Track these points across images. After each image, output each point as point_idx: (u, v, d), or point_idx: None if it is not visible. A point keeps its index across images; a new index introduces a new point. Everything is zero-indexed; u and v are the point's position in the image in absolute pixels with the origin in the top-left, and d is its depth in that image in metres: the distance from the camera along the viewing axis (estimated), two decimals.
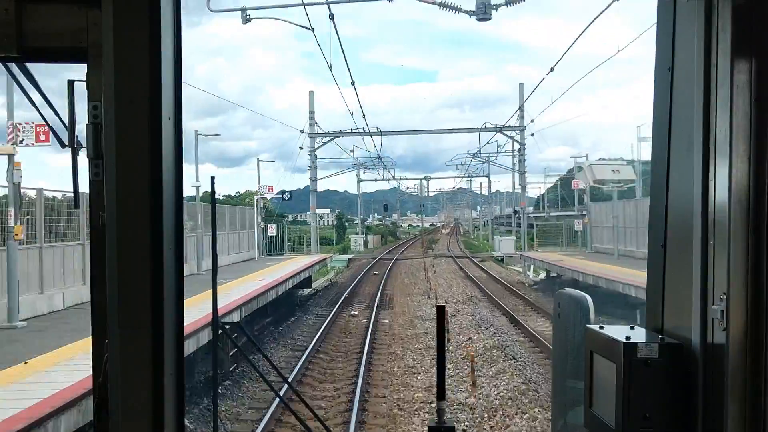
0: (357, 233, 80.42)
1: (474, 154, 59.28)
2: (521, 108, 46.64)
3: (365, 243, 73.88)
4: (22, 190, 14.28)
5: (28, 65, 2.05)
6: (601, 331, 1.82)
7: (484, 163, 62.71)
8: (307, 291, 29.70)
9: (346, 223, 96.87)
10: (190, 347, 11.66)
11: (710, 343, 1.60)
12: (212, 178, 2.25)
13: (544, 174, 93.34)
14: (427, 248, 67.21)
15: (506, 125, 47.52)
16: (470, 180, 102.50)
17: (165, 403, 1.78)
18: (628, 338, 1.70)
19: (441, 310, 2.39)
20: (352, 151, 52.63)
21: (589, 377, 1.88)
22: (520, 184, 49.41)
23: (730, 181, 1.56)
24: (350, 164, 56.84)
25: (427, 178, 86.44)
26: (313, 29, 20.83)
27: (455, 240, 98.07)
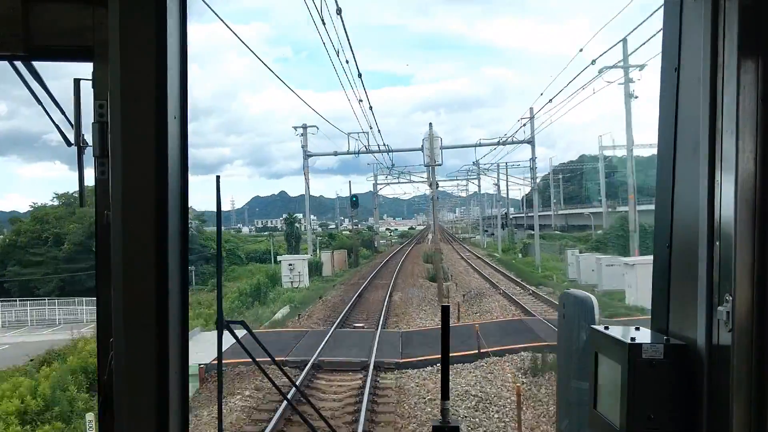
0: (315, 249, 49.26)
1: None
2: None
3: (315, 268, 41.30)
4: None
5: (35, 64, 2.04)
6: (606, 331, 1.82)
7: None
8: None
9: (316, 228, 71.59)
10: None
11: (715, 344, 1.60)
12: (217, 177, 2.24)
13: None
14: (442, 277, 32.14)
15: None
16: (478, 166, 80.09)
17: (170, 400, 1.79)
18: (633, 339, 1.70)
19: (446, 310, 2.39)
20: None
21: (594, 378, 1.88)
22: None
23: (737, 182, 1.55)
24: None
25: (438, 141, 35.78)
26: None
27: (471, 252, 64.15)
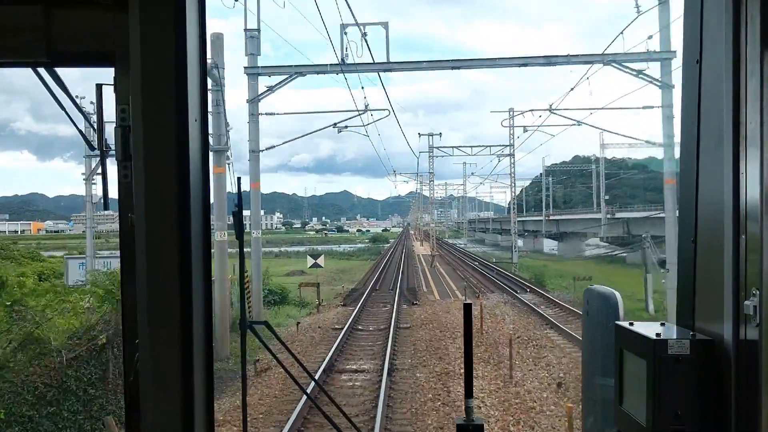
0: None
1: None
2: None
3: None
4: None
5: (57, 70, 2.02)
6: (631, 327, 1.81)
7: None
8: None
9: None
10: None
11: (743, 339, 1.58)
12: (238, 179, 2.25)
13: None
14: None
15: None
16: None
17: (195, 401, 1.80)
18: (658, 335, 1.68)
19: (468, 308, 2.36)
20: None
21: (619, 375, 1.87)
22: None
23: (762, 174, 1.53)
24: None
25: None
26: None
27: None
